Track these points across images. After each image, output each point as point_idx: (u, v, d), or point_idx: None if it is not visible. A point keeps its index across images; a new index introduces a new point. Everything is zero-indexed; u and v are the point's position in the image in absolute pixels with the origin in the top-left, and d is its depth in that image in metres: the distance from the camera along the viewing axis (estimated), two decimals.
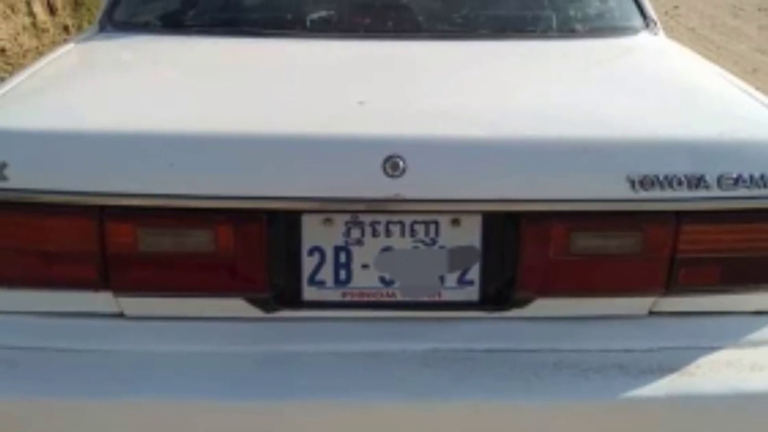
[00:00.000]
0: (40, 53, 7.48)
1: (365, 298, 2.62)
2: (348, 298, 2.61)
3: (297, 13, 3.65)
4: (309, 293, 2.60)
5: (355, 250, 2.57)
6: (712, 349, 2.63)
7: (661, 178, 2.48)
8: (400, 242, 2.57)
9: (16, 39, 8.08)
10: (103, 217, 2.48)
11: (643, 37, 3.71)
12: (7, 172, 2.43)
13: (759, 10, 15.41)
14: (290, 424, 2.53)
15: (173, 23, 3.65)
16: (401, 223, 2.55)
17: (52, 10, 9.07)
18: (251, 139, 2.51)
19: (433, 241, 2.57)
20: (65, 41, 4.22)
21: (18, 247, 2.55)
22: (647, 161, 2.50)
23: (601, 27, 3.78)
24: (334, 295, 2.61)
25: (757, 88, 3.16)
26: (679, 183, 2.49)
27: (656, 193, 2.49)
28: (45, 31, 8.73)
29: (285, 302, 2.62)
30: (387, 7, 3.87)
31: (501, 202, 2.53)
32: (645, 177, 2.48)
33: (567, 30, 3.70)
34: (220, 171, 2.47)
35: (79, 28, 9.11)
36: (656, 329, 2.69)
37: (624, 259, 2.59)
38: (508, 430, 2.58)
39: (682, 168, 2.50)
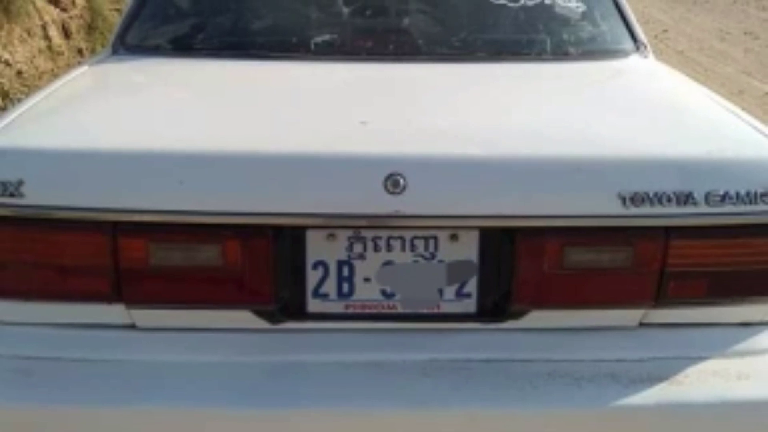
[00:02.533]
0: (55, 75, 7.49)
1: (367, 310, 2.62)
2: (351, 310, 2.62)
3: (302, 36, 3.66)
4: (313, 305, 2.61)
5: (358, 264, 2.57)
6: (700, 359, 2.64)
7: (651, 194, 2.49)
8: (400, 256, 2.57)
9: (32, 61, 8.09)
10: (115, 232, 2.48)
11: (634, 60, 3.72)
12: (23, 189, 2.44)
13: (745, 33, 15.42)
14: None
15: (183, 46, 3.66)
16: (401, 238, 2.56)
17: (66, 34, 9.08)
18: (258, 157, 2.52)
19: (432, 256, 2.58)
20: (79, 64, 4.23)
21: (34, 261, 2.55)
22: (638, 179, 2.51)
23: (594, 50, 3.78)
24: (338, 307, 2.61)
25: (743, 109, 3.17)
26: (669, 200, 2.50)
27: (646, 209, 2.50)
28: (60, 54, 8.75)
29: (290, 314, 2.62)
30: (388, 31, 3.88)
31: (497, 218, 2.53)
32: (635, 194, 2.49)
33: (561, 53, 3.71)
34: (229, 188, 2.48)
35: (93, 51, 9.12)
36: (646, 340, 2.69)
37: (615, 272, 2.60)
38: None
39: (671, 185, 2.50)
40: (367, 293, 2.60)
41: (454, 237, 2.56)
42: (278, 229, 2.52)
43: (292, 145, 2.57)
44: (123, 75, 3.47)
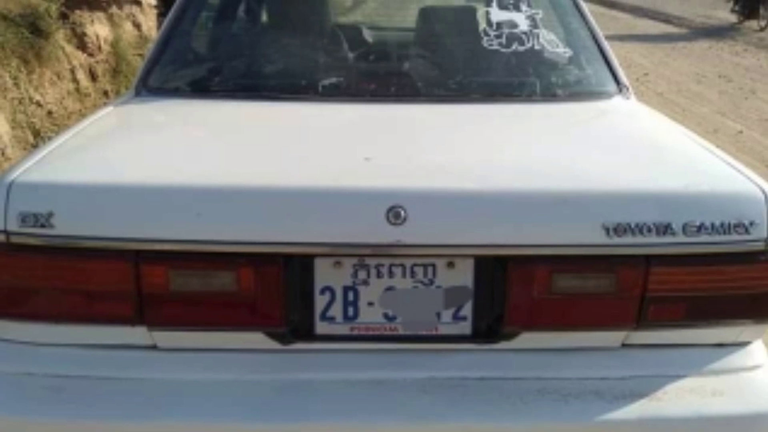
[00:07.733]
0: (82, 115, 7.49)
1: (371, 332, 2.62)
2: (355, 332, 2.62)
3: (310, 79, 3.66)
4: (321, 328, 2.61)
5: (362, 289, 2.58)
6: (678, 377, 2.64)
7: (632, 225, 2.50)
8: (401, 282, 2.58)
9: (61, 102, 8.10)
10: (138, 260, 2.49)
11: (617, 101, 3.71)
12: (53, 220, 2.46)
13: (719, 77, 15.44)
14: None
15: (201, 88, 3.66)
16: (402, 265, 2.56)
17: (93, 77, 9.09)
18: (270, 191, 2.53)
19: (431, 282, 2.58)
20: (105, 104, 4.22)
21: (63, 287, 2.56)
22: (620, 211, 2.52)
23: (580, 92, 3.78)
24: (343, 329, 2.62)
25: (718, 146, 3.17)
26: (649, 230, 2.50)
27: (628, 239, 2.51)
28: (87, 95, 8.75)
29: (299, 336, 2.63)
30: (390, 74, 3.90)
31: (491, 247, 2.54)
32: (618, 225, 2.50)
33: (549, 94, 3.71)
34: (242, 220, 2.48)
35: (117, 93, 9.12)
36: (628, 360, 2.69)
37: (600, 297, 2.60)
38: None
39: (651, 217, 2.51)
40: (370, 316, 2.61)
41: (451, 264, 2.57)
42: (288, 258, 2.53)
43: (301, 179, 2.58)
44: (145, 115, 3.48)
